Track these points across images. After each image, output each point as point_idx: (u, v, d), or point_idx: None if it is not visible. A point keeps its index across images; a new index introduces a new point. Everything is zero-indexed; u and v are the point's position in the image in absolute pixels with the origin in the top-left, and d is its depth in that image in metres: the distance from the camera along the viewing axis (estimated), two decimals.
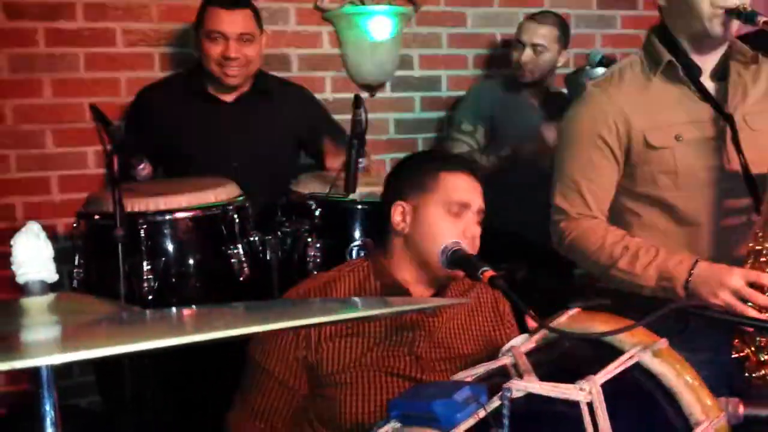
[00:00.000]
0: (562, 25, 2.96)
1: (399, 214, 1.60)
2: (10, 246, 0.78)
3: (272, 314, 0.90)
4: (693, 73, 1.76)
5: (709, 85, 1.78)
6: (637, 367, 1.09)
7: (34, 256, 0.77)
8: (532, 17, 2.95)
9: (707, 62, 1.78)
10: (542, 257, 2.40)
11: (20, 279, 0.77)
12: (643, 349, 1.09)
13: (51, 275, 0.77)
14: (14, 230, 0.81)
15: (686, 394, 1.07)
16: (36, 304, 0.75)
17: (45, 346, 0.68)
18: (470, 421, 1.02)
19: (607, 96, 1.79)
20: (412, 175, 1.64)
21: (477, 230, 1.59)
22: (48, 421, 0.73)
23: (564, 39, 2.94)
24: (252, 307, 1.02)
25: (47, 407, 0.72)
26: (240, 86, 2.52)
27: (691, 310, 1.53)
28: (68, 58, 2.77)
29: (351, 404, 1.50)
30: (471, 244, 1.56)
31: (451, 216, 1.56)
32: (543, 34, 2.88)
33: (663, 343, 1.11)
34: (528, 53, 2.87)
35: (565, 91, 3.02)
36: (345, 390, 1.51)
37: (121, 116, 2.71)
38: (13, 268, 0.77)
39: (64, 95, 2.75)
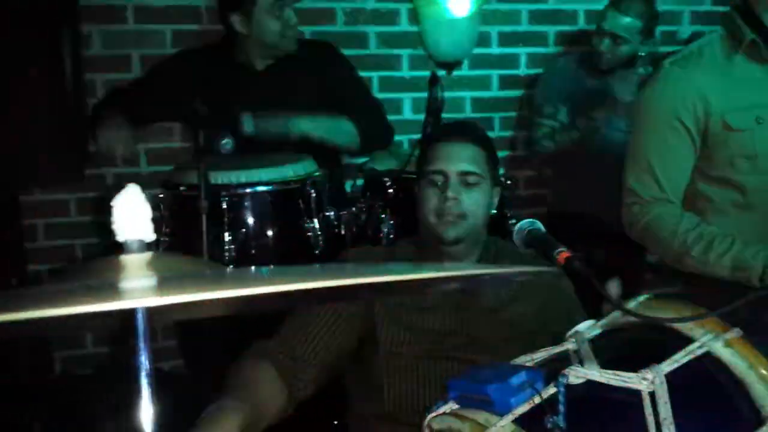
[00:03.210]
0: (648, 15, 2.75)
1: (416, 192, 1.70)
2: (109, 209, 0.83)
3: (349, 271, 0.92)
4: None
5: None
6: (707, 356, 1.04)
7: (133, 216, 0.82)
8: (615, 4, 2.75)
9: None
10: (618, 241, 2.35)
11: (120, 237, 0.82)
12: (714, 339, 1.04)
13: (149, 234, 0.83)
14: (104, 199, 0.86)
15: (758, 386, 1.02)
16: (134, 261, 0.80)
17: (141, 291, 0.72)
18: (525, 407, 1.01)
19: (686, 75, 1.73)
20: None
21: (462, 193, 1.60)
22: (143, 372, 0.78)
23: (647, 29, 2.76)
24: (328, 268, 1.05)
25: (142, 358, 0.77)
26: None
27: None
28: (156, 34, 2.87)
29: (399, 380, 1.51)
30: (452, 206, 1.59)
31: (435, 187, 1.63)
32: (624, 26, 2.73)
33: (736, 332, 1.06)
34: (607, 43, 2.75)
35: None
36: (395, 366, 1.51)
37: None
38: (114, 227, 0.82)
39: None
